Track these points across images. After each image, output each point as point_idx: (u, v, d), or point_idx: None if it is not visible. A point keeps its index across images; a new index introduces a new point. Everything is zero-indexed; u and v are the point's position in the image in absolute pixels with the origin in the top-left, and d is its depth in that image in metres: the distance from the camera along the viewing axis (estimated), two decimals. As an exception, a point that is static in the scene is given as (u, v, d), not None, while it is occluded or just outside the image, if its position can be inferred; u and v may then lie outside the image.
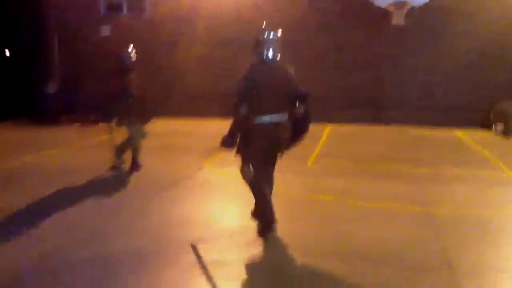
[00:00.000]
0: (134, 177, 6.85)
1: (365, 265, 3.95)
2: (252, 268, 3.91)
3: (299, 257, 4.12)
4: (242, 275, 3.79)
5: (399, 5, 10.70)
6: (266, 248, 4.28)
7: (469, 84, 11.99)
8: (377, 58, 12.20)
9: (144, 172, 7.08)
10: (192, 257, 4.04)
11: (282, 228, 4.55)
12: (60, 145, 9.38)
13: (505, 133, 11.05)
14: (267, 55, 4.28)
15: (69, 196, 5.83)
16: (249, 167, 4.28)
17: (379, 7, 11.08)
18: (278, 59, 4.38)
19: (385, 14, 11.11)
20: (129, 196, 5.98)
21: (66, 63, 13.34)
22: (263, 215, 4.40)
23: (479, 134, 11.17)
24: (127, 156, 7.17)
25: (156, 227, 4.78)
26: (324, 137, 10.27)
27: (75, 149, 9.11)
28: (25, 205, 5.46)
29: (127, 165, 7.15)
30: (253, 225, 4.59)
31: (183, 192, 6.16)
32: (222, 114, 12.01)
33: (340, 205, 5.53)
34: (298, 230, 4.70)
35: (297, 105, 4.40)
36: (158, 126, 11.74)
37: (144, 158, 7.29)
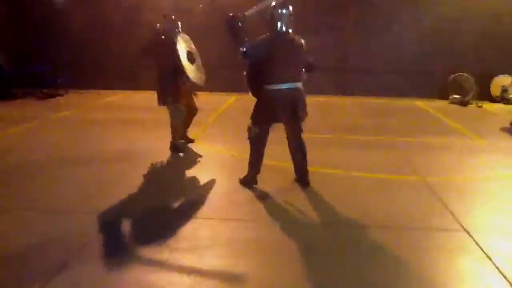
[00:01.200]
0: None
1: (385, 231, 4.04)
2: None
3: (319, 228, 4.15)
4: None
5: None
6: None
7: (427, 56, 12.41)
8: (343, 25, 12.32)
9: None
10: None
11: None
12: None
13: (462, 103, 11.72)
14: (281, 28, 4.71)
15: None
16: (256, 128, 4.84)
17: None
18: (290, 31, 4.79)
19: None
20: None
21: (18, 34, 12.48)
22: (252, 169, 5.01)
23: (438, 104, 11.71)
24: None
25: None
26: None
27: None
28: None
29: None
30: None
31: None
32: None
33: (336, 177, 5.53)
34: (307, 203, 4.70)
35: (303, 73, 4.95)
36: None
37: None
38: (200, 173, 5.63)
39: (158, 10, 12.26)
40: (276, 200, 4.74)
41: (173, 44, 5.80)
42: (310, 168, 5.13)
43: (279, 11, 4.69)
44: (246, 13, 4.62)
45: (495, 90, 12.46)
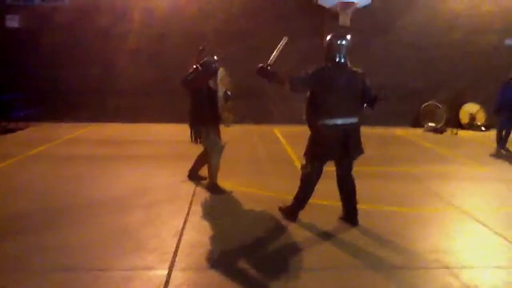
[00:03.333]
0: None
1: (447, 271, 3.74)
2: None
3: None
4: None
5: (346, 5, 10.84)
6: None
7: (401, 85, 12.63)
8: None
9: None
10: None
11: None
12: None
13: (438, 131, 11.98)
14: (339, 59, 4.44)
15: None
16: (310, 165, 4.55)
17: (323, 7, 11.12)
18: (348, 63, 4.50)
19: (331, 14, 11.18)
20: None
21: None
22: (296, 204, 4.73)
23: (416, 132, 11.91)
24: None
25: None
26: (283, 139, 9.95)
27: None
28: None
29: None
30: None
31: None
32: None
33: (373, 213, 5.21)
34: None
35: (364, 107, 4.63)
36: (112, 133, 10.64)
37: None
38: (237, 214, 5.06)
39: (125, 40, 11.80)
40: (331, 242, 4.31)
41: (214, 85, 5.53)
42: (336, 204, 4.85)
43: (338, 41, 4.45)
44: (269, 62, 4.42)
45: (463, 117, 12.90)
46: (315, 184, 4.66)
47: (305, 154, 4.66)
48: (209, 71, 5.53)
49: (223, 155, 5.83)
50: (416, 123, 12.73)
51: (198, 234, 4.36)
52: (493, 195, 6.13)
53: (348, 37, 4.54)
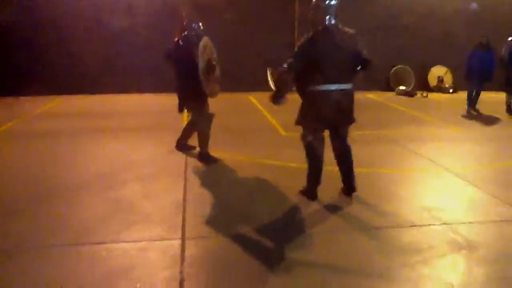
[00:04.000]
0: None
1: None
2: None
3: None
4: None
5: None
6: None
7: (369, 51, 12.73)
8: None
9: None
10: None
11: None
12: None
13: (409, 94, 12.27)
14: (329, 20, 4.14)
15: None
16: (309, 134, 4.33)
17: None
18: (339, 24, 4.23)
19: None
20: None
21: None
22: (309, 181, 4.49)
23: (388, 96, 12.16)
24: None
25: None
26: (261, 107, 9.94)
27: None
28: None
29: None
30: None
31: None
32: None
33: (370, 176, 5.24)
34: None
35: (358, 70, 4.34)
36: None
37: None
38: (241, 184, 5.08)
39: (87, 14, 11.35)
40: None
41: (194, 56, 5.28)
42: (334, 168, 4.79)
43: (326, 2, 4.13)
44: (273, 88, 4.32)
45: (432, 80, 13.23)
46: (322, 153, 4.42)
47: (300, 123, 4.40)
48: (190, 43, 5.43)
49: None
50: (387, 87, 12.95)
51: (200, 204, 4.36)
52: (471, 154, 6.41)
53: None
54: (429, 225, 3.97)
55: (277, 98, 4.26)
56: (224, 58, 9.65)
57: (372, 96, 12.00)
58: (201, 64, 5.27)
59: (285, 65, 4.11)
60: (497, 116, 9.23)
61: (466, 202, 4.57)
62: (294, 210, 4.31)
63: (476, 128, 8.23)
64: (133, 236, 3.63)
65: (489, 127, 8.40)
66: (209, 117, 5.74)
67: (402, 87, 12.55)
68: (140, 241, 3.55)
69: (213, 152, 5.83)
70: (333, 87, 4.14)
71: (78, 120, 8.59)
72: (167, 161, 5.79)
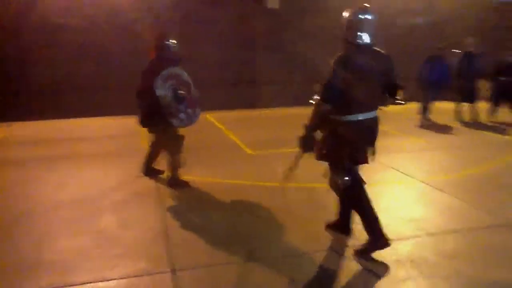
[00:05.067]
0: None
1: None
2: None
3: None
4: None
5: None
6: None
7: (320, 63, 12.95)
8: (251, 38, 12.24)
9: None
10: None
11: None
12: None
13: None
14: (363, 39, 3.46)
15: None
16: (344, 173, 3.52)
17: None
18: (374, 44, 3.56)
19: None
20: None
21: None
22: (375, 228, 3.54)
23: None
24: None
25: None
26: (221, 125, 9.80)
27: None
28: None
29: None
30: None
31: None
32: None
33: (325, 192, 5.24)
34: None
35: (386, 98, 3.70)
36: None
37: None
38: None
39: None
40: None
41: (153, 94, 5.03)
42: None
43: (360, 16, 3.47)
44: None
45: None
46: (367, 194, 3.64)
47: (332, 163, 3.62)
48: (167, 57, 5.23)
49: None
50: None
51: (181, 231, 4.16)
52: (437, 163, 6.57)
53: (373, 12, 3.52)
54: (416, 236, 3.97)
55: (309, 140, 3.60)
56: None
57: (295, 111, 11.99)
58: (162, 93, 5.04)
59: (317, 97, 3.42)
60: (450, 124, 9.59)
61: (445, 211, 4.63)
62: (279, 231, 4.20)
63: (436, 137, 8.49)
64: (119, 273, 3.37)
65: (446, 135, 8.72)
66: (179, 140, 5.48)
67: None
68: (127, 277, 3.30)
69: (182, 173, 5.61)
70: (368, 115, 3.52)
71: (36, 148, 8.05)
72: (138, 186, 5.51)
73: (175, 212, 4.66)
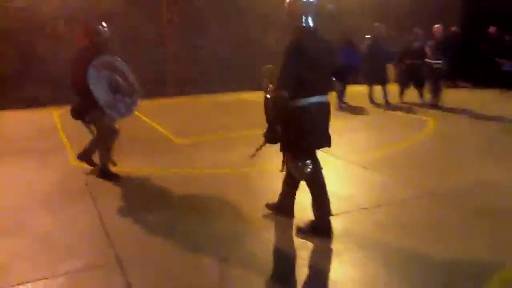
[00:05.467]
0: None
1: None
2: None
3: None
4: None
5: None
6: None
7: (242, 53, 13.13)
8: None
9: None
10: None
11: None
12: None
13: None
14: (307, 24, 3.52)
15: None
16: (305, 161, 3.54)
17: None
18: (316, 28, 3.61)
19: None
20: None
21: None
22: (325, 211, 3.72)
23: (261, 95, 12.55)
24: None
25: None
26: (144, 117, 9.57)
27: None
28: None
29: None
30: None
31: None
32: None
33: (258, 176, 5.39)
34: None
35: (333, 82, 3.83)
36: None
37: None
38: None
39: None
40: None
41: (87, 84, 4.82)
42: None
43: (304, 0, 3.50)
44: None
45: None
46: (324, 180, 3.75)
47: (293, 149, 3.61)
48: (98, 42, 5.02)
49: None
50: (258, 86, 13.37)
51: (121, 226, 4.05)
52: (358, 143, 6.96)
53: None
54: (348, 211, 4.22)
55: (272, 132, 3.57)
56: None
57: (245, 96, 12.19)
58: (96, 86, 4.86)
59: (278, 86, 3.39)
60: (363, 106, 10.16)
61: (373, 186, 4.98)
62: (213, 214, 4.27)
63: (352, 118, 8.96)
64: (65, 269, 3.25)
65: (362, 116, 9.28)
66: (112, 132, 5.29)
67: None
68: (76, 272, 3.21)
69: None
70: (322, 98, 3.57)
71: None
72: (65, 182, 5.26)
73: (111, 207, 4.50)
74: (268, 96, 3.56)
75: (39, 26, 10.84)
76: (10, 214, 4.34)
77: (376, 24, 10.58)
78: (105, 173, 5.32)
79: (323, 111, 3.61)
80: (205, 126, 8.48)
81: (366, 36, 10.42)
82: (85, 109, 5.11)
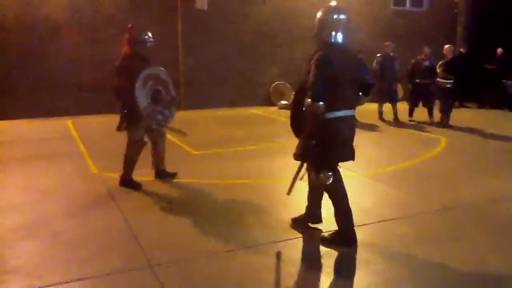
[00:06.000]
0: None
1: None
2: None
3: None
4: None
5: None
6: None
7: (250, 66, 13.33)
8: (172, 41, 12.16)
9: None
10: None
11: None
12: None
13: (289, 107, 12.99)
14: (336, 39, 3.65)
15: None
16: (328, 171, 3.65)
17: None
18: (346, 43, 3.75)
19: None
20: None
21: None
22: (348, 221, 3.80)
23: (272, 110, 12.74)
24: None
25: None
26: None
27: None
28: None
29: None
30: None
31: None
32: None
33: (278, 186, 5.42)
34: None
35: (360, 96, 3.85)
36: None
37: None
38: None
39: None
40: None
41: (133, 89, 4.96)
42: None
43: (334, 16, 3.63)
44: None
45: (307, 94, 14.19)
46: (345, 188, 3.84)
47: (313, 160, 3.70)
48: (143, 51, 5.22)
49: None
50: (269, 102, 13.58)
51: (145, 228, 4.15)
52: (372, 158, 7.00)
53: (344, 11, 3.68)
54: (369, 223, 4.31)
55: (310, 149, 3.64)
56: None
57: (256, 111, 12.46)
58: (141, 95, 5.03)
59: (308, 100, 3.49)
60: (374, 123, 10.29)
61: (389, 200, 5.08)
62: (239, 224, 4.34)
63: (364, 135, 9.02)
64: (93, 272, 3.32)
65: (374, 133, 9.34)
66: (141, 143, 5.39)
67: (283, 102, 13.26)
68: (104, 275, 3.28)
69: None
70: (348, 112, 3.68)
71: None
72: (88, 189, 5.36)
73: (135, 212, 4.60)
74: (304, 109, 3.61)
75: (46, 33, 10.97)
76: (39, 219, 4.40)
77: (386, 43, 10.79)
78: (127, 182, 5.42)
79: (350, 125, 3.72)
80: (218, 138, 8.60)
81: (377, 55, 10.59)
82: (128, 119, 5.35)
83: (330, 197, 3.83)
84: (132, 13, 11.18)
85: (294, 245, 3.88)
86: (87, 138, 8.34)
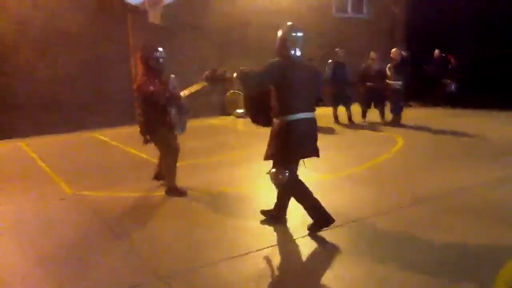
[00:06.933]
0: None
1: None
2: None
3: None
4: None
5: (155, 2, 10.94)
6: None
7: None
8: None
9: None
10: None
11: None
12: None
13: (246, 115, 13.16)
14: (294, 53, 4.18)
15: None
16: (285, 170, 4.13)
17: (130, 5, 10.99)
18: (302, 57, 4.29)
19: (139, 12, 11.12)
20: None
21: None
22: (318, 211, 4.24)
23: (227, 119, 12.85)
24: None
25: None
26: (116, 141, 9.57)
27: None
28: None
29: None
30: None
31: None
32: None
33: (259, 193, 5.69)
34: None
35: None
36: None
37: None
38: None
39: None
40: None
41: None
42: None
43: (293, 34, 4.16)
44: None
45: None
46: (305, 186, 4.28)
47: (274, 158, 4.22)
48: (157, 67, 5.37)
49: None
50: (224, 111, 13.68)
51: (148, 242, 4.18)
52: (335, 160, 7.28)
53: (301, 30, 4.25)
54: (354, 221, 4.56)
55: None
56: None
57: (214, 121, 12.56)
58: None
59: (236, 74, 4.19)
60: (330, 126, 10.70)
61: (361, 199, 5.33)
62: (224, 234, 4.43)
63: (323, 138, 9.34)
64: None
65: (332, 135, 9.73)
66: (176, 150, 5.61)
67: (239, 110, 13.38)
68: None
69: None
70: (305, 115, 4.15)
71: None
72: (67, 212, 5.25)
73: (129, 227, 4.60)
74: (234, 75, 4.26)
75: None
76: (39, 245, 4.32)
77: (337, 49, 11.27)
78: (173, 190, 5.58)
79: (309, 125, 4.20)
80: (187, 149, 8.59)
81: (329, 61, 11.04)
82: (151, 128, 5.44)
83: (294, 197, 4.31)
84: (85, 28, 11.00)
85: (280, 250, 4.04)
86: (49, 159, 8.07)
